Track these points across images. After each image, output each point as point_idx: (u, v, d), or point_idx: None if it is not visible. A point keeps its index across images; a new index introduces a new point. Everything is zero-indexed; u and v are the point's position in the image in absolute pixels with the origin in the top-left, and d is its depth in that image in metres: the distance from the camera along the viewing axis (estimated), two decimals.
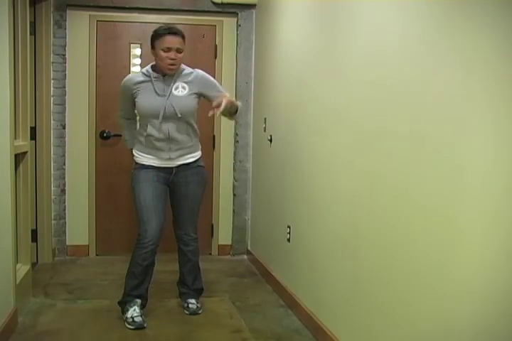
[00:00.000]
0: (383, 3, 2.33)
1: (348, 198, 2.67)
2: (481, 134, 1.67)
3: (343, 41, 2.75)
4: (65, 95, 4.57)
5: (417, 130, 2.03)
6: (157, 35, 3.11)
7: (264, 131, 4.27)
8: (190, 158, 3.26)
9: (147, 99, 3.15)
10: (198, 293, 3.46)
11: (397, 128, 2.19)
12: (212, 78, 3.30)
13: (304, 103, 3.37)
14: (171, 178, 3.25)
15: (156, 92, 3.14)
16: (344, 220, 2.71)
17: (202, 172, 3.33)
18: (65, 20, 4.51)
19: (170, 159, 3.21)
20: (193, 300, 3.40)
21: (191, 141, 3.25)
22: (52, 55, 4.43)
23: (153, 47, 3.14)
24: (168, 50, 3.08)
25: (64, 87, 4.55)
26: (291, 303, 3.47)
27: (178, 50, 3.10)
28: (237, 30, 4.76)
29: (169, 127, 3.14)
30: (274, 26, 4.10)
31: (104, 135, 4.68)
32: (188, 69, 3.23)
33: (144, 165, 3.23)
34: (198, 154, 3.31)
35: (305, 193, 3.31)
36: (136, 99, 3.18)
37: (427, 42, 1.98)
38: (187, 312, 3.37)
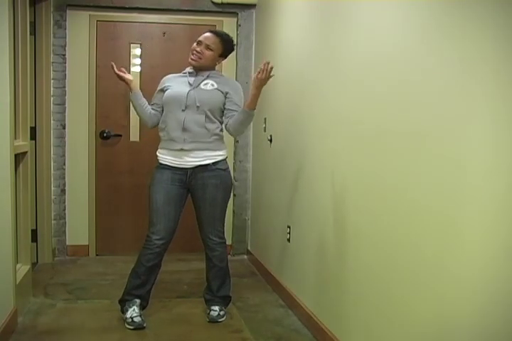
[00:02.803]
0: (383, 3, 2.33)
1: (348, 198, 2.67)
2: (481, 134, 1.67)
3: (343, 41, 2.75)
4: (65, 95, 4.57)
5: (417, 129, 2.03)
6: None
7: (264, 131, 4.27)
8: (207, 160, 3.17)
9: (174, 88, 3.20)
10: (224, 300, 3.34)
11: (397, 128, 2.19)
12: (240, 93, 3.26)
13: (304, 103, 3.37)
14: (187, 180, 3.19)
15: (187, 84, 3.19)
16: (344, 220, 2.71)
17: (222, 176, 3.21)
18: (65, 20, 4.51)
19: (182, 150, 3.14)
20: (215, 307, 3.27)
21: (209, 137, 3.17)
22: (52, 55, 4.43)
23: None
24: (199, 43, 3.18)
25: (64, 87, 4.55)
26: (291, 303, 3.47)
27: (208, 47, 3.16)
28: (237, 30, 4.76)
29: (186, 116, 3.13)
30: (274, 26, 4.10)
31: (104, 135, 4.68)
32: (223, 76, 3.34)
33: (161, 164, 3.21)
34: (217, 155, 3.21)
35: (305, 193, 3.31)
36: (166, 89, 3.22)
37: (427, 42, 1.98)
38: (207, 319, 3.25)
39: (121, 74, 3.21)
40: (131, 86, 3.25)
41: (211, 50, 3.17)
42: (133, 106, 3.33)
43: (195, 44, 3.21)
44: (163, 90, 3.25)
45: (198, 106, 3.13)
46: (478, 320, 1.69)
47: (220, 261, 3.30)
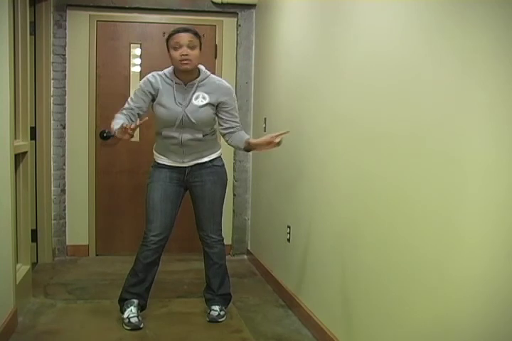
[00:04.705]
0: (383, 3, 2.33)
1: (348, 198, 2.67)
2: (481, 134, 1.67)
3: (343, 41, 2.75)
4: (65, 95, 4.57)
5: (416, 130, 2.03)
6: (168, 37, 3.07)
7: (264, 131, 4.27)
8: (204, 158, 3.20)
9: (167, 106, 3.09)
10: (224, 299, 3.33)
11: (397, 128, 2.19)
12: (233, 96, 3.22)
13: (303, 103, 3.37)
14: (185, 178, 3.21)
15: (175, 100, 3.09)
16: (344, 220, 2.71)
17: (218, 172, 3.25)
18: (65, 20, 4.51)
19: (183, 162, 3.19)
20: (216, 307, 3.26)
21: (206, 146, 3.19)
22: (52, 55, 4.43)
23: (168, 51, 3.08)
24: (179, 46, 3.02)
25: (64, 87, 4.55)
26: (291, 303, 3.47)
27: (190, 45, 3.02)
28: (237, 30, 4.76)
29: (183, 135, 3.11)
30: (274, 26, 4.10)
31: (104, 135, 4.68)
32: (212, 78, 3.17)
33: (158, 163, 3.21)
34: (214, 154, 3.24)
35: (305, 193, 3.31)
36: (156, 100, 3.10)
37: (427, 43, 1.98)
38: (207, 319, 3.24)
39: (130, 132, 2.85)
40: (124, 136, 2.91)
41: (194, 47, 3.04)
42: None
43: (172, 50, 3.03)
44: (152, 94, 3.11)
45: (194, 125, 3.10)
46: (478, 321, 1.69)
47: (219, 259, 3.31)
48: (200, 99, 3.11)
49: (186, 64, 3.04)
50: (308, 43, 3.30)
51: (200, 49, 3.10)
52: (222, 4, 4.65)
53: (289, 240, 3.60)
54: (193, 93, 3.11)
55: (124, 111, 3.11)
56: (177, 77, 3.11)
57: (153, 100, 3.14)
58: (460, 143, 1.77)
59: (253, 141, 3.11)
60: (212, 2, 4.64)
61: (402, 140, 2.14)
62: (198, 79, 3.12)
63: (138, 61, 4.74)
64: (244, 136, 3.18)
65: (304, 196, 3.33)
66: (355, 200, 2.58)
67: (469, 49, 1.72)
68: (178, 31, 3.06)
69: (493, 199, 1.63)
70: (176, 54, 3.03)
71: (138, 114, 3.11)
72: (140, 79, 4.57)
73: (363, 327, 2.49)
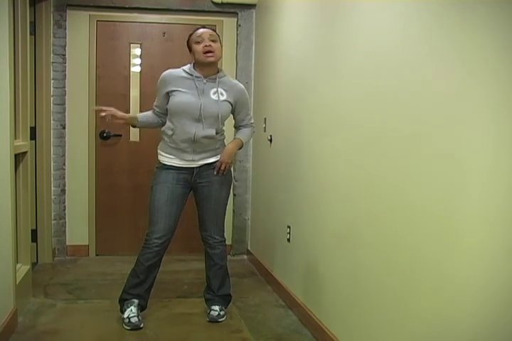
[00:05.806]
0: (383, 3, 2.33)
1: (348, 198, 2.67)
2: (481, 134, 1.67)
3: (343, 41, 2.76)
4: (65, 95, 4.57)
5: (416, 130, 2.03)
6: (190, 35, 3.16)
7: (264, 131, 4.27)
8: (212, 158, 3.20)
9: (185, 96, 3.10)
10: (224, 300, 3.33)
11: (397, 128, 2.19)
12: (247, 96, 3.34)
13: (304, 103, 3.37)
14: (192, 179, 3.20)
15: (196, 91, 3.11)
16: (344, 220, 2.71)
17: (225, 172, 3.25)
18: (65, 20, 4.52)
19: (192, 161, 3.17)
20: (216, 307, 3.26)
21: (216, 144, 3.20)
22: (52, 55, 4.43)
23: (190, 49, 3.15)
24: (201, 39, 3.09)
25: (64, 87, 4.55)
26: (291, 303, 3.47)
27: (211, 38, 3.10)
28: (237, 30, 4.76)
29: (197, 129, 3.10)
30: (274, 26, 4.10)
31: (104, 135, 4.68)
32: (228, 78, 3.26)
33: (165, 165, 3.19)
34: (221, 154, 3.24)
35: (305, 193, 3.31)
36: (172, 94, 3.12)
37: (427, 42, 1.98)
38: (207, 319, 3.25)
39: (118, 120, 3.21)
40: (129, 122, 3.29)
41: (216, 41, 3.12)
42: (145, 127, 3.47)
43: (195, 45, 3.09)
44: (168, 94, 3.14)
45: (210, 121, 3.12)
46: (478, 321, 1.69)
47: (221, 260, 3.31)
48: (219, 94, 3.16)
49: (211, 56, 3.09)
50: (308, 43, 3.30)
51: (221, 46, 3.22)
52: (222, 4, 4.65)
53: (289, 240, 3.60)
54: (213, 87, 3.14)
55: (155, 111, 3.30)
56: (197, 72, 3.15)
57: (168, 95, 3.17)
58: (460, 143, 1.77)
59: (228, 146, 3.27)
60: (212, 2, 4.64)
61: (402, 139, 2.14)
62: (218, 74, 3.18)
63: (138, 61, 4.74)
64: (237, 136, 3.34)
65: (304, 196, 3.33)
66: (355, 200, 2.58)
67: (469, 49, 1.73)
68: (197, 28, 3.18)
69: (493, 200, 1.63)
70: (199, 47, 3.09)
71: (157, 113, 3.29)
72: (140, 80, 4.62)
73: (362, 327, 2.49)
